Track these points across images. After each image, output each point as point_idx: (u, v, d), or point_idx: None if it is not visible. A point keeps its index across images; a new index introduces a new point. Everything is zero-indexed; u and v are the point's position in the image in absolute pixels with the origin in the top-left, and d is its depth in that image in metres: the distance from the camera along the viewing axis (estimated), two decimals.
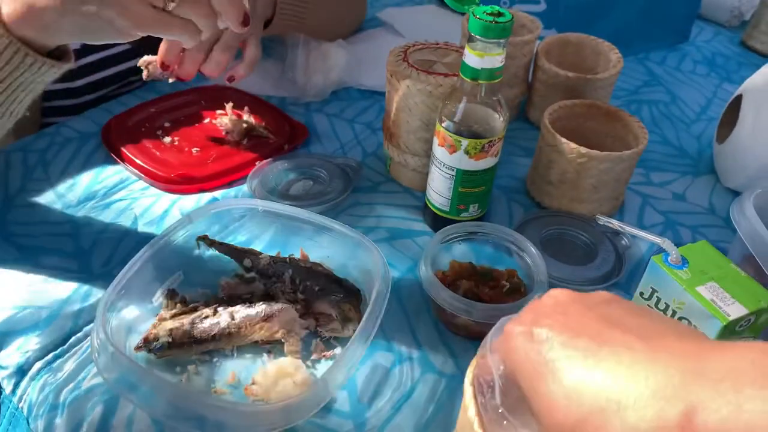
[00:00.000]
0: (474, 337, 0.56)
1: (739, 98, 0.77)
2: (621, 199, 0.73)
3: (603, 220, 0.49)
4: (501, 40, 0.56)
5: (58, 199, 0.68)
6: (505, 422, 0.35)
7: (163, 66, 0.69)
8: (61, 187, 0.70)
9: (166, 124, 0.79)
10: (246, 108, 0.81)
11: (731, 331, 0.41)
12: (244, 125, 0.78)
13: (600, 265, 0.64)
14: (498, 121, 0.61)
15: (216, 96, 0.84)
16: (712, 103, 0.96)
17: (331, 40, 0.91)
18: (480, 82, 0.58)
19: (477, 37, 0.55)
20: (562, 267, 0.64)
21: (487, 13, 0.55)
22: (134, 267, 0.53)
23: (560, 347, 0.31)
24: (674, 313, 0.43)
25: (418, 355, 0.55)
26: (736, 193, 0.77)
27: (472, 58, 0.57)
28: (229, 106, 0.81)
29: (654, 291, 0.44)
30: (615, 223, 0.48)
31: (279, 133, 0.79)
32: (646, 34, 1.09)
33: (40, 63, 0.54)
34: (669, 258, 0.43)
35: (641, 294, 0.46)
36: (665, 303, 0.44)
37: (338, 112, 0.87)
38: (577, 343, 0.30)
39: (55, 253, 0.61)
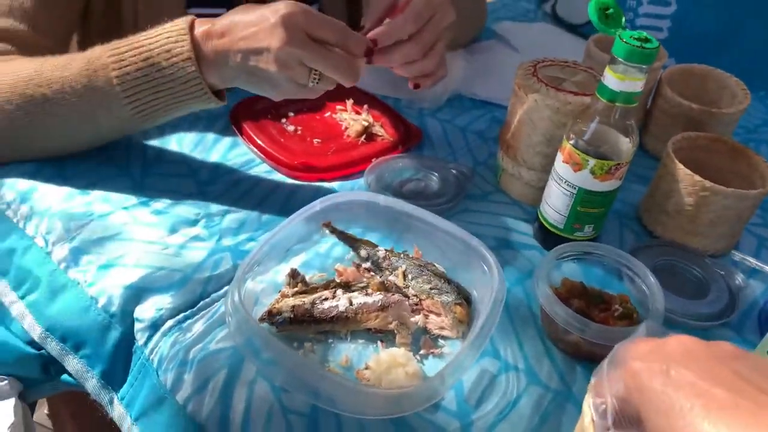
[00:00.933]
0: (581, 356, 0.57)
1: None
2: (737, 239, 0.71)
3: (739, 255, 0.49)
4: (644, 66, 0.56)
5: (191, 173, 0.73)
6: None
7: (369, 51, 0.65)
8: (193, 162, 0.74)
9: (290, 113, 0.83)
10: (365, 106, 0.84)
11: None
12: (363, 123, 0.81)
13: (712, 302, 0.63)
14: (627, 145, 0.61)
15: (337, 91, 0.87)
16: None
17: (451, 48, 0.93)
18: (617, 104, 0.58)
19: (620, 60, 0.56)
20: (672, 299, 0.63)
21: (634, 38, 0.55)
22: (267, 243, 0.57)
23: (697, 394, 0.31)
24: None
25: (524, 367, 0.56)
26: None
27: (612, 80, 0.57)
28: (349, 102, 0.85)
29: None
30: (753, 261, 0.47)
31: (395, 133, 0.82)
32: None
33: (208, 98, 0.64)
34: None
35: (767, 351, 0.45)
36: None
37: (450, 119, 0.89)
38: (714, 393, 0.30)
39: (188, 223, 0.66)
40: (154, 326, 0.56)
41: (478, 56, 1.03)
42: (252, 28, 0.59)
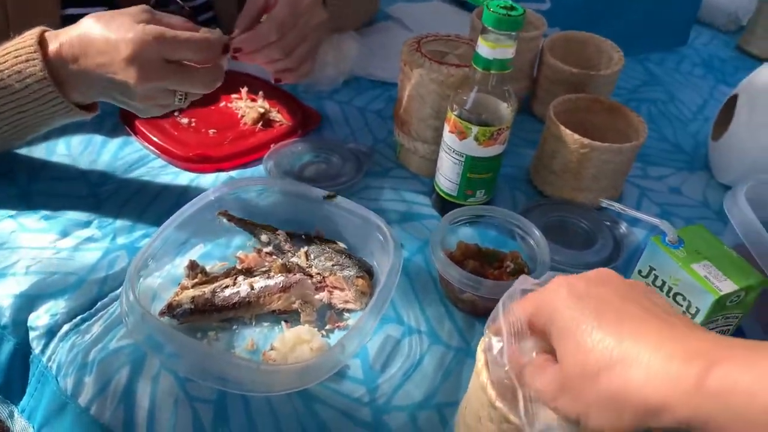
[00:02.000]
0: (479, 313, 0.60)
1: (734, 98, 0.80)
2: (620, 190, 0.76)
3: (606, 203, 0.52)
4: (513, 33, 0.59)
5: (81, 175, 0.71)
6: (506, 380, 0.39)
7: (236, 51, 0.65)
8: (83, 163, 0.72)
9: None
10: (260, 93, 0.84)
11: (722, 306, 0.44)
12: (259, 109, 0.81)
13: (599, 251, 0.68)
14: (506, 110, 0.64)
15: (231, 80, 0.86)
16: (708, 104, 1.00)
17: (343, 32, 0.94)
18: (491, 72, 0.61)
19: (490, 28, 0.58)
20: (563, 252, 0.67)
21: (501, 7, 0.58)
22: (158, 238, 0.56)
23: (595, 313, 0.35)
24: (670, 289, 0.46)
25: (426, 329, 0.58)
26: (728, 188, 0.80)
27: (484, 48, 0.60)
28: (244, 90, 0.84)
29: (652, 269, 0.48)
30: (617, 206, 0.51)
31: (292, 118, 0.82)
32: (646, 36, 1.12)
33: (75, 113, 0.61)
34: (667, 238, 0.47)
35: (639, 272, 0.49)
36: (662, 280, 0.47)
37: (349, 100, 0.90)
38: (608, 313, 0.35)
39: (80, 225, 0.64)
40: (50, 332, 0.54)
41: (374, 37, 1.04)
42: (105, 57, 0.56)
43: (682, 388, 0.30)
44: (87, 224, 0.64)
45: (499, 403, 0.39)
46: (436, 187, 0.71)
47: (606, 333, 0.34)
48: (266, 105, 0.82)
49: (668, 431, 0.32)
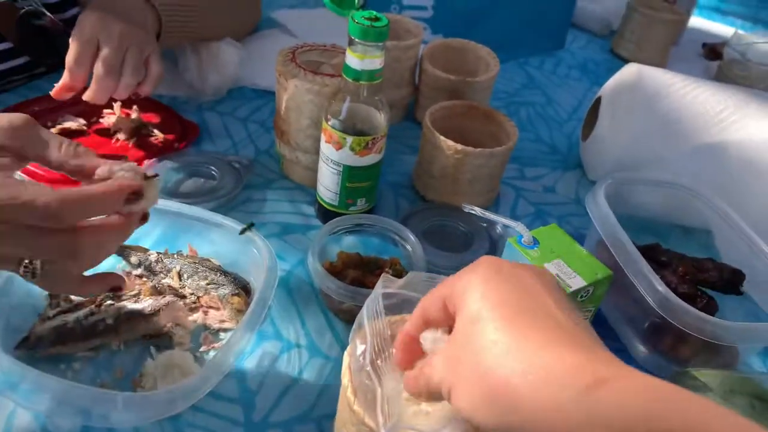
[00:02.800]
0: None
1: (599, 100, 0.85)
2: (496, 191, 0.79)
3: (467, 207, 0.54)
4: (379, 44, 0.59)
5: None
6: (368, 381, 0.39)
7: (70, 90, 0.69)
8: None
9: (49, 123, 0.77)
10: (134, 107, 0.81)
11: (573, 301, 0.47)
12: (132, 124, 0.78)
13: (475, 251, 0.70)
14: (380, 119, 0.64)
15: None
16: (582, 105, 1.06)
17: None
18: (362, 83, 0.61)
19: (357, 40, 0.59)
20: (442, 255, 0.68)
21: (366, 18, 0.59)
22: None
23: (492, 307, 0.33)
24: None
25: (306, 342, 0.58)
26: None
27: (353, 60, 0.60)
28: (117, 105, 0.81)
29: None
30: (478, 210, 0.53)
31: (169, 131, 0.80)
32: (525, 40, 1.18)
33: None
34: (522, 239, 0.49)
35: None
36: None
37: (231, 111, 0.89)
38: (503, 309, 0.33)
39: None
40: None
41: (257, 44, 1.03)
42: None
43: (562, 396, 0.29)
44: None
45: (356, 407, 0.39)
46: (318, 198, 0.71)
47: (503, 316, 0.32)
48: (140, 118, 0.79)
49: None
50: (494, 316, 0.33)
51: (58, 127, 0.77)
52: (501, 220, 0.52)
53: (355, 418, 0.38)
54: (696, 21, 1.46)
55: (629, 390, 0.28)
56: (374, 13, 0.59)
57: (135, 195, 0.43)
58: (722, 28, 1.47)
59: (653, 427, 0.27)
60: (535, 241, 0.49)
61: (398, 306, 0.43)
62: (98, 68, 0.69)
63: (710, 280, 0.62)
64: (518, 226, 0.50)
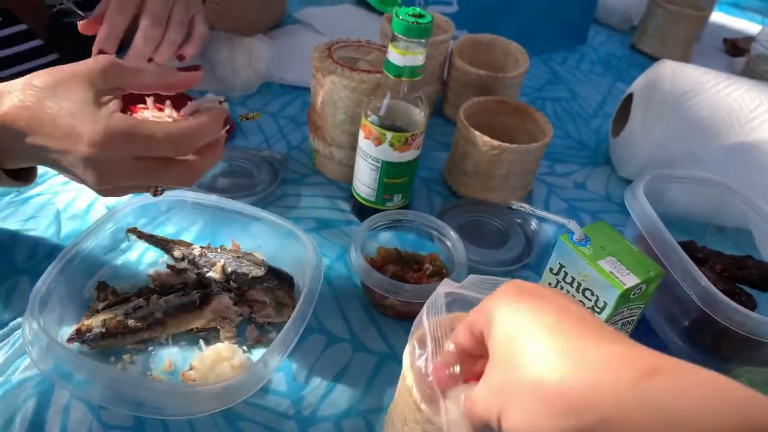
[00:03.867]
0: (401, 317, 0.60)
1: (630, 96, 0.85)
2: (529, 188, 0.79)
3: (516, 204, 0.54)
4: (422, 40, 0.60)
5: None
6: (428, 390, 0.39)
7: (105, 35, 0.64)
8: None
9: None
10: (168, 102, 0.81)
11: (627, 299, 0.47)
12: (168, 120, 0.78)
13: (512, 248, 0.70)
14: (419, 116, 0.65)
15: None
16: (607, 101, 1.06)
17: (250, 35, 0.92)
18: (403, 79, 0.62)
19: (400, 36, 0.59)
20: (478, 251, 0.69)
21: (410, 14, 0.59)
22: (63, 260, 0.53)
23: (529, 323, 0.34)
24: (579, 284, 0.49)
25: (349, 337, 0.58)
26: (628, 182, 0.85)
27: (395, 56, 0.60)
28: (150, 100, 0.81)
29: (562, 266, 0.50)
30: (527, 207, 0.53)
31: None
32: (549, 36, 1.18)
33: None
34: (574, 237, 0.49)
35: (551, 270, 0.51)
36: (572, 276, 0.49)
37: (262, 107, 0.89)
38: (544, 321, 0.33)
39: None
40: None
41: (284, 41, 1.03)
42: (59, 144, 0.45)
43: (618, 385, 0.29)
44: None
45: (423, 406, 0.40)
46: (354, 193, 0.71)
47: (541, 326, 0.33)
48: (174, 115, 0.79)
49: None
50: (530, 329, 0.33)
51: None
52: (551, 217, 0.52)
53: (422, 416, 0.39)
54: (715, 16, 1.45)
55: (686, 380, 0.28)
56: (418, 9, 0.60)
57: (225, 121, 0.51)
58: (742, 23, 1.47)
59: (712, 423, 0.27)
60: (586, 238, 0.49)
61: (453, 304, 0.43)
62: (145, 18, 0.65)
63: (749, 278, 0.63)
64: (570, 223, 0.50)
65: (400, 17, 0.58)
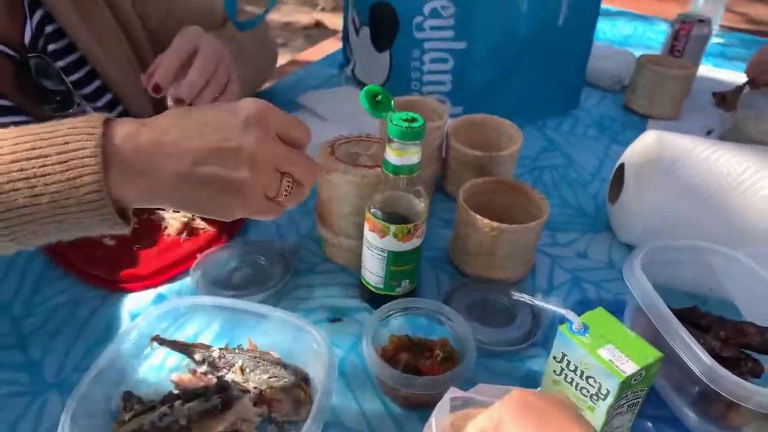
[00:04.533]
0: (416, 406, 0.62)
1: (622, 165, 0.89)
2: (532, 263, 0.82)
3: (516, 295, 0.57)
4: (417, 141, 0.64)
5: (2, 309, 0.69)
6: None
7: (157, 89, 0.73)
8: (2, 296, 0.71)
9: None
10: None
11: (628, 385, 0.49)
12: (183, 219, 0.82)
13: (519, 326, 0.72)
14: (420, 206, 0.68)
15: None
16: (603, 164, 1.09)
17: (247, 93, 0.97)
18: (401, 176, 0.65)
19: (395, 139, 0.63)
20: (486, 331, 0.71)
21: (403, 119, 0.63)
22: (91, 374, 0.56)
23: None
24: (582, 372, 0.51)
25: (366, 429, 0.60)
26: (630, 247, 0.88)
27: (393, 156, 0.64)
28: None
29: (564, 355, 0.52)
30: (526, 298, 0.56)
31: (215, 223, 0.84)
32: (542, 103, 1.22)
33: (113, 223, 0.48)
34: (573, 326, 0.51)
35: (555, 357, 0.53)
36: (574, 365, 0.51)
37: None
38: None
39: (2, 367, 0.62)
40: None
41: None
42: (210, 127, 0.48)
43: None
44: (10, 367, 0.63)
45: None
46: (363, 282, 0.74)
47: None
48: (188, 213, 0.84)
49: None
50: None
51: None
52: (550, 307, 0.55)
53: None
54: (704, 69, 1.50)
55: None
56: (411, 114, 0.64)
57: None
58: (731, 75, 1.51)
59: None
60: (585, 327, 0.51)
61: (464, 404, 0.46)
62: (194, 68, 0.73)
63: (753, 344, 0.64)
64: (568, 314, 0.52)
65: (394, 123, 0.62)
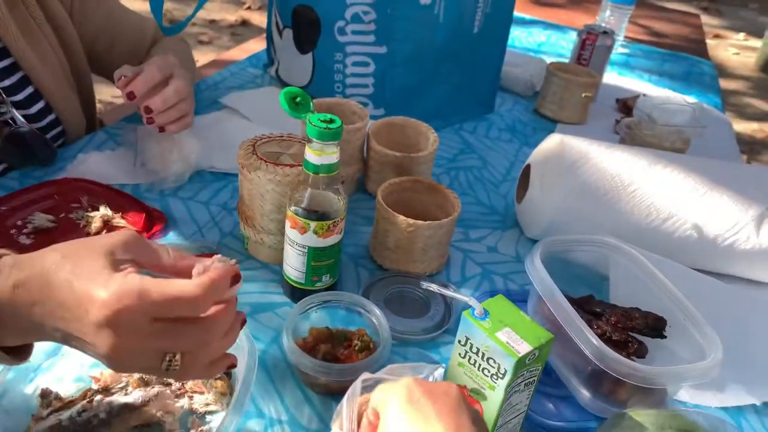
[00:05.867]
0: (334, 393, 0.66)
1: (528, 166, 0.96)
2: (447, 256, 0.87)
3: (425, 284, 0.61)
4: (335, 141, 0.67)
5: None
6: None
7: (131, 96, 0.87)
8: None
9: (19, 222, 0.80)
10: (101, 198, 0.85)
11: (523, 364, 0.54)
12: (101, 217, 0.82)
13: (433, 316, 0.77)
14: (339, 204, 0.72)
15: (69, 189, 0.87)
16: (513, 166, 1.16)
17: None
18: (321, 175, 0.69)
19: (314, 140, 0.66)
20: (403, 321, 0.75)
21: (321, 120, 0.66)
22: (8, 374, 0.56)
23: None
24: (483, 354, 0.56)
25: (287, 418, 0.63)
26: (535, 242, 0.94)
27: (312, 156, 0.67)
28: (84, 199, 0.85)
29: (468, 338, 0.57)
30: (434, 287, 0.60)
31: (136, 221, 0.84)
32: (460, 107, 1.28)
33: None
34: (475, 312, 0.56)
35: (459, 341, 0.58)
36: (476, 347, 0.56)
37: (193, 196, 0.94)
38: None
39: None
40: None
41: (213, 129, 1.09)
42: (69, 314, 0.45)
43: None
44: None
45: None
46: (285, 277, 0.77)
47: None
48: (108, 211, 0.84)
49: None
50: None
51: (30, 227, 0.80)
52: (455, 295, 0.59)
53: None
54: (609, 77, 1.62)
55: None
56: (329, 116, 0.67)
57: (234, 278, 0.51)
58: (633, 83, 1.64)
59: None
60: (486, 313, 0.56)
61: (375, 384, 0.49)
62: (170, 88, 0.89)
63: (638, 327, 0.71)
64: (471, 301, 0.57)
65: (313, 123, 0.66)
